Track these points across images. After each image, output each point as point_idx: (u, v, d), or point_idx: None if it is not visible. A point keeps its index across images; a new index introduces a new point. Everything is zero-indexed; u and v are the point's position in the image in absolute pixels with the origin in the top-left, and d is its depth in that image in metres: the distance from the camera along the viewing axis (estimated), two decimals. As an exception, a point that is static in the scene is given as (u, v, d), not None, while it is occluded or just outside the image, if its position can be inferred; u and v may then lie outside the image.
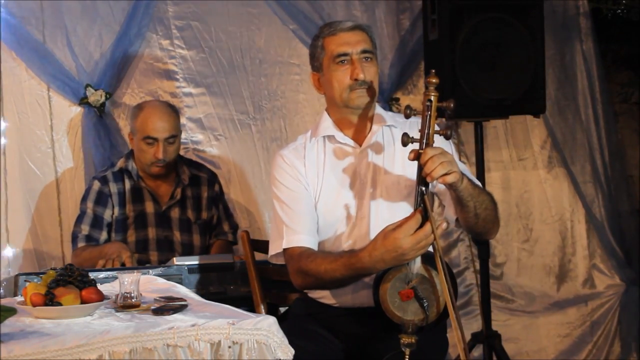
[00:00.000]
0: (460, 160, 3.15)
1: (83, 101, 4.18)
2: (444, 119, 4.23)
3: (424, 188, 2.68)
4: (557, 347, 4.71)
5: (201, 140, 4.36)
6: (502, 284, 4.70)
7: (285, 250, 2.97)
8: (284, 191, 3.01)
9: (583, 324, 4.71)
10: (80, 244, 3.86)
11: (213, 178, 4.08)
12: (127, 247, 3.75)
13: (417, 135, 2.69)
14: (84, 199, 3.91)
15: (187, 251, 3.92)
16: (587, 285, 4.73)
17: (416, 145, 2.68)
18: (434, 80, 2.70)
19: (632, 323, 4.67)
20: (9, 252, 4.06)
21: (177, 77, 4.35)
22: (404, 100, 4.62)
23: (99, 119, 4.19)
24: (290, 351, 2.39)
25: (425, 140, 2.68)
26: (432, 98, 2.68)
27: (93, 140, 4.16)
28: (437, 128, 2.73)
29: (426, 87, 2.71)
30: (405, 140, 2.68)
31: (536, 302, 4.75)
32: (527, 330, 4.73)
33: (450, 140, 2.93)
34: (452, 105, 2.70)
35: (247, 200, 4.39)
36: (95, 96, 4.17)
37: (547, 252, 4.78)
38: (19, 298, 2.68)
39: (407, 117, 2.74)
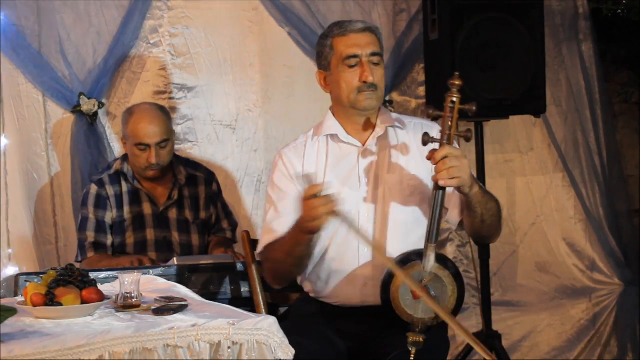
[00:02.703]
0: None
1: (76, 109, 4.17)
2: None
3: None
4: (551, 344, 4.70)
5: (180, 147, 4.32)
6: (495, 282, 4.69)
7: (261, 252, 3.01)
8: (275, 190, 3.04)
9: (579, 322, 4.70)
10: (90, 253, 3.84)
11: (210, 177, 4.06)
12: (146, 255, 3.76)
13: (437, 136, 2.71)
14: (84, 204, 3.90)
15: (186, 251, 3.91)
16: (584, 284, 4.72)
17: (436, 146, 2.70)
18: (457, 82, 2.73)
19: (629, 323, 4.67)
20: (9, 252, 4.06)
21: (166, 85, 4.32)
22: (398, 101, 4.62)
23: (90, 126, 4.18)
24: (291, 351, 2.39)
25: (446, 141, 2.70)
26: (455, 99, 2.71)
27: (82, 147, 4.15)
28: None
29: (449, 89, 2.72)
30: (426, 139, 2.71)
31: (532, 301, 4.74)
32: (521, 327, 4.72)
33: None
34: (474, 108, 2.73)
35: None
36: (89, 105, 4.16)
37: (544, 251, 4.77)
38: (19, 298, 2.67)
39: (430, 117, 2.77)
